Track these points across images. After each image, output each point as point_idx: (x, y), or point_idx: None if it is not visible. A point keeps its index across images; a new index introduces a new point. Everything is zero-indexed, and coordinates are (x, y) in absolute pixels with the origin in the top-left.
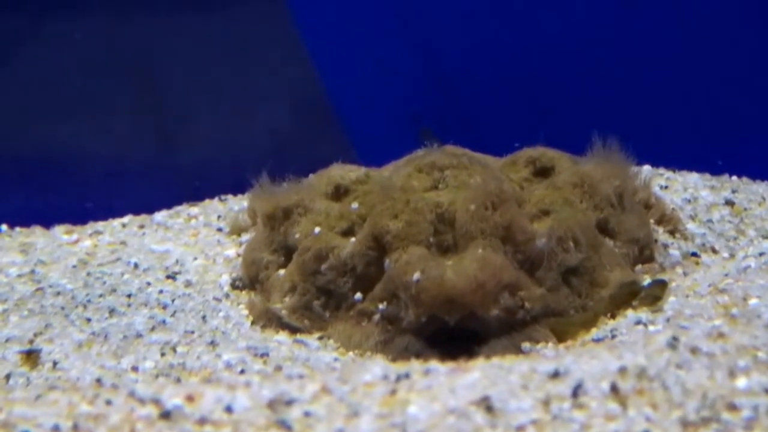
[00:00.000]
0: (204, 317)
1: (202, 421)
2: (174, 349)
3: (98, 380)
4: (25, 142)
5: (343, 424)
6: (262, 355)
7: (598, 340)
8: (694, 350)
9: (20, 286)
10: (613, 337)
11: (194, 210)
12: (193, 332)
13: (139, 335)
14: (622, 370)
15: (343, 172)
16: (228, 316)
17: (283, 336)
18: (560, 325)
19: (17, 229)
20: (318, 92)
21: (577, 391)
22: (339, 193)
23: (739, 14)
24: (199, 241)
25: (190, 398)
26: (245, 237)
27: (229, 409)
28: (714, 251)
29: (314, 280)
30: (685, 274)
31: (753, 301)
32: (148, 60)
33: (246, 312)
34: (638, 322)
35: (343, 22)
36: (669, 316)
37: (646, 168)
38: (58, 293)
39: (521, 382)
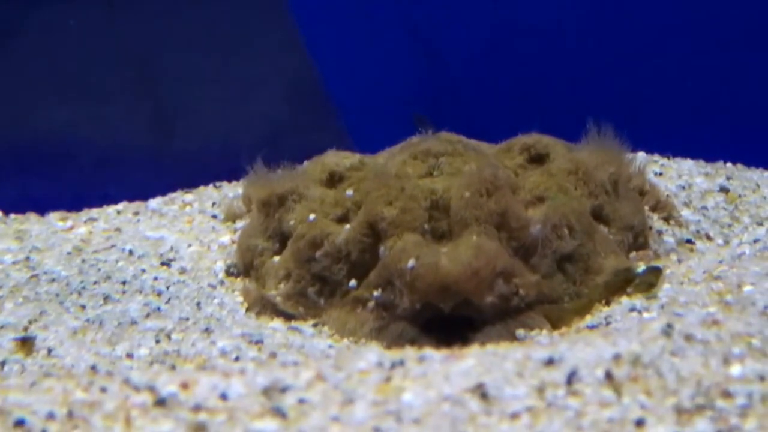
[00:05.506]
0: (198, 304)
1: (197, 408)
2: (169, 336)
3: (93, 367)
4: (19, 129)
5: (338, 412)
6: (256, 342)
7: (592, 327)
8: (689, 337)
9: (15, 273)
10: (608, 324)
11: (189, 197)
12: (187, 319)
13: (133, 322)
14: (617, 358)
15: (337, 159)
16: (223, 303)
17: (277, 323)
18: (555, 311)
19: (12, 215)
20: (313, 79)
21: (571, 379)
22: (334, 179)
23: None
24: (193, 228)
25: (184, 385)
26: (240, 224)
27: (223, 396)
28: (708, 238)
29: (309, 267)
30: (679, 261)
31: (747, 288)
32: (144, 47)
33: (241, 299)
34: (633, 309)
35: (338, 10)
36: (663, 303)
37: (641, 155)
38: (53, 280)
39: (516, 369)
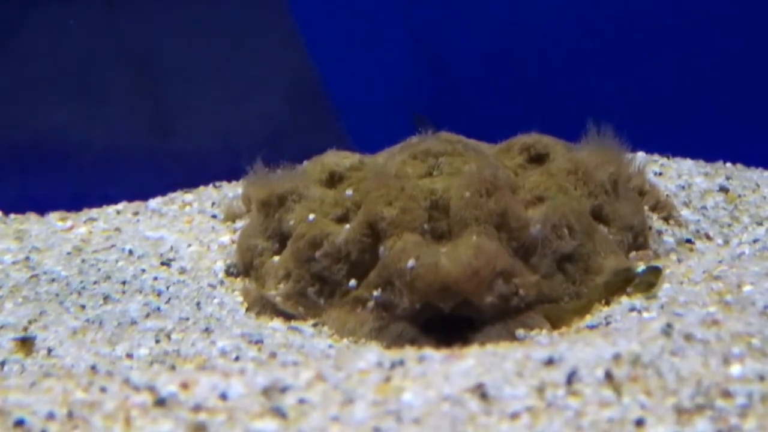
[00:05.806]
0: (198, 304)
1: (197, 408)
2: (168, 336)
3: (93, 367)
4: (19, 129)
5: (338, 412)
6: (256, 342)
7: (592, 327)
8: (689, 337)
9: (15, 273)
10: (608, 323)
11: (189, 197)
12: (187, 319)
13: (133, 322)
14: (617, 357)
15: (337, 159)
16: (222, 303)
17: (277, 323)
18: (555, 311)
19: (12, 215)
20: (313, 79)
21: (571, 378)
22: (333, 179)
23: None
24: (193, 228)
25: (184, 385)
26: (240, 224)
27: (223, 396)
28: (708, 238)
29: (309, 266)
30: (679, 260)
31: (747, 288)
32: (144, 47)
33: (240, 299)
34: (633, 309)
35: (338, 10)
36: (663, 303)
37: (641, 154)
38: (53, 280)
39: (516, 369)
